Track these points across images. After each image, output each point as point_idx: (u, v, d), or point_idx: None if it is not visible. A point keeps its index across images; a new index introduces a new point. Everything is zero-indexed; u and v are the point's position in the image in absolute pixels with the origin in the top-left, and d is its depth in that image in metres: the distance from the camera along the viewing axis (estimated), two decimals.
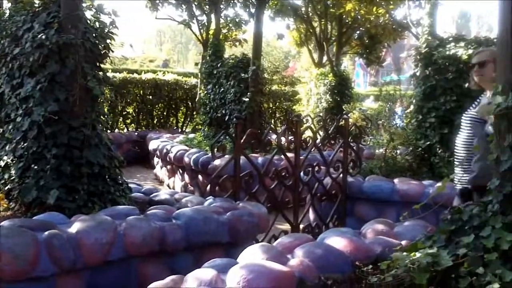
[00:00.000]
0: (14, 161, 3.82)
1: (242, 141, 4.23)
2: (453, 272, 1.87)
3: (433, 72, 5.88)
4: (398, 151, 6.23)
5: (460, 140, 3.37)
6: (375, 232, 2.72)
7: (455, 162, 3.39)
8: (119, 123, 12.60)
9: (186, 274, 2.23)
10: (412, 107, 6.06)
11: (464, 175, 3.24)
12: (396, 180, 5.28)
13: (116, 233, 3.07)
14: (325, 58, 12.98)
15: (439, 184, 2.35)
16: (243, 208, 3.80)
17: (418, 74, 6.08)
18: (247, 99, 8.71)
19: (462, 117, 3.47)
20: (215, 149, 4.19)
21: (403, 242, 2.40)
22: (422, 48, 6.09)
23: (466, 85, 5.55)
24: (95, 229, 2.98)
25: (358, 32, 13.42)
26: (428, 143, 5.80)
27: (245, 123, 7.67)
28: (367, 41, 13.24)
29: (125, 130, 12.50)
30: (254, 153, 6.45)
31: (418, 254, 1.94)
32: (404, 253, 2.04)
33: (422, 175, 5.64)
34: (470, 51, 5.65)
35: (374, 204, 5.23)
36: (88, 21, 4.17)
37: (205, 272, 2.17)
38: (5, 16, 4.63)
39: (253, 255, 2.42)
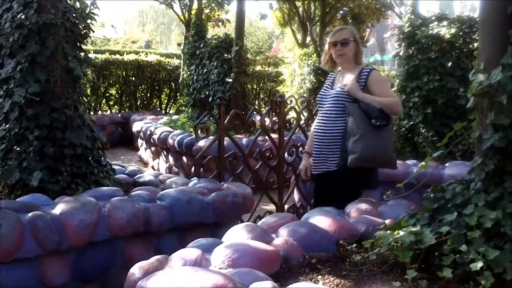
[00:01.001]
0: None
1: (225, 122, 4.20)
2: (436, 250, 1.88)
3: (416, 51, 5.88)
4: None
5: (324, 120, 3.26)
6: (359, 211, 2.73)
7: (315, 146, 3.31)
8: (102, 105, 12.45)
9: (171, 254, 2.22)
10: (395, 87, 6.06)
11: (332, 157, 3.18)
12: None
13: (100, 214, 3.04)
14: (308, 38, 12.92)
15: (422, 163, 2.36)
16: (227, 188, 3.79)
17: (401, 53, 6.08)
18: (230, 80, 8.65)
19: (322, 97, 3.38)
20: (199, 130, 4.16)
21: (387, 221, 2.41)
22: (405, 27, 6.08)
23: (449, 64, 5.61)
24: (79, 210, 2.95)
25: (341, 12, 13.35)
26: (412, 123, 5.81)
27: (228, 104, 7.63)
28: (350, 21, 13.18)
29: (109, 112, 12.37)
30: (238, 134, 6.43)
31: (401, 233, 1.95)
32: (388, 232, 2.05)
33: (406, 155, 5.66)
34: (453, 30, 5.65)
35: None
36: (68, 1, 4.08)
37: (190, 252, 2.16)
38: None
39: (238, 234, 2.41)
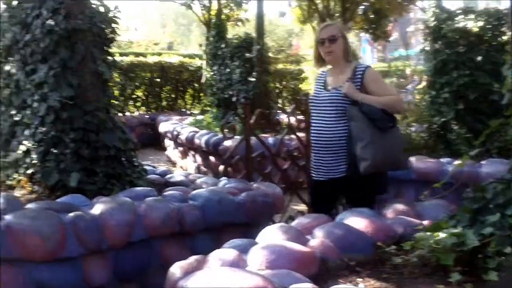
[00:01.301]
0: (34, 146, 3.81)
1: (251, 121, 4.19)
2: (480, 252, 1.83)
3: (443, 46, 5.73)
4: (413, 129, 6.06)
5: (324, 125, 3.10)
6: (395, 212, 2.68)
7: (315, 151, 3.17)
8: (130, 107, 12.61)
9: (207, 255, 2.23)
10: (424, 82, 5.92)
11: (338, 163, 3.05)
12: (412, 159, 5.05)
13: (137, 214, 3.06)
14: None
15: (458, 161, 2.30)
16: (257, 188, 3.78)
17: (427, 48, 5.95)
18: (253, 79, 8.63)
19: (316, 99, 3.21)
20: (225, 130, 4.15)
21: (425, 222, 2.36)
22: (430, 21, 5.93)
23: (479, 58, 5.44)
24: (117, 210, 2.98)
25: (362, 7, 13.17)
26: (443, 119, 5.62)
27: (252, 103, 7.62)
28: (372, 16, 13.00)
29: (136, 113, 12.51)
30: (264, 133, 6.41)
31: (442, 234, 1.90)
32: (428, 233, 2.00)
33: (439, 153, 5.48)
34: (481, 24, 5.50)
35: (391, 183, 5.15)
36: (93, 6, 4.13)
37: (227, 253, 2.16)
38: (13, 3, 4.58)
39: (272, 235, 2.39)
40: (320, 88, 3.25)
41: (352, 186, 3.05)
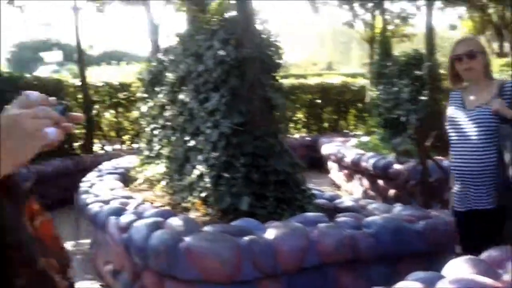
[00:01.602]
0: (207, 170, 4.11)
1: (427, 144, 4.00)
2: None
3: None
4: None
5: (471, 148, 2.79)
6: None
7: (460, 179, 2.84)
8: (291, 129, 12.99)
9: (382, 286, 2.17)
10: None
11: (487, 192, 2.72)
12: None
13: (309, 240, 3.11)
14: (507, 46, 11.81)
15: None
16: (436, 216, 3.59)
17: None
18: (424, 98, 8.27)
19: (456, 119, 2.91)
20: (399, 153, 4.02)
21: None
22: None
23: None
24: (289, 236, 3.07)
25: None
26: None
27: (424, 124, 7.31)
28: None
29: (297, 135, 12.82)
30: (439, 156, 6.07)
31: None
32: None
33: None
34: None
35: None
36: (262, 35, 4.35)
37: (413, 286, 2.08)
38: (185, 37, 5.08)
39: (460, 269, 2.24)
40: (459, 108, 3.01)
41: (503, 220, 2.74)
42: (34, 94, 0.89)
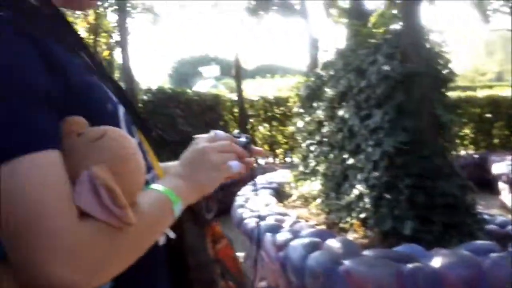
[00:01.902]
0: (367, 190, 4.11)
1: None
2: None
3: None
4: None
5: None
6: None
7: None
8: (457, 146, 12.36)
9: None
10: None
11: None
12: None
13: (480, 271, 2.95)
14: None
15: None
16: None
17: None
18: None
19: None
20: None
21: None
22: None
23: None
24: (458, 265, 2.94)
25: None
26: None
27: None
28: None
29: (463, 152, 12.14)
30: None
31: None
32: None
33: None
34: None
35: None
36: (429, 47, 4.24)
37: None
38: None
39: None
40: None
41: None
42: (221, 133, 1.03)
